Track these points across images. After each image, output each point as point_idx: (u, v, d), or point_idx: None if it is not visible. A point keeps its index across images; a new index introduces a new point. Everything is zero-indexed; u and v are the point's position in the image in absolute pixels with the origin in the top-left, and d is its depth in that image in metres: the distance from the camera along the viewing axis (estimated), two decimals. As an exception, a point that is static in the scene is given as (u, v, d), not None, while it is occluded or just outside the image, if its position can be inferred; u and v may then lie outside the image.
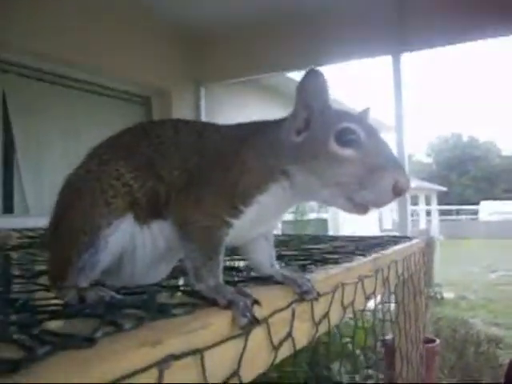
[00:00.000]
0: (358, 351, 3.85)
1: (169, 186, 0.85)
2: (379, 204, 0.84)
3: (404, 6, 5.23)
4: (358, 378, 4.41)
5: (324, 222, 9.47)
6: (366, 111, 0.97)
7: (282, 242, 1.36)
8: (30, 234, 2.36)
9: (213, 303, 0.72)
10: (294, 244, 1.58)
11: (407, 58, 5.58)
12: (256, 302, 0.73)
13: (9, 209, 4.60)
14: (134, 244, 0.85)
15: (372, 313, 1.45)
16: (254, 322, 0.70)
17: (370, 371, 4.46)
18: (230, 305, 0.70)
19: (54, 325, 0.55)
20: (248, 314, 0.69)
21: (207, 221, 0.82)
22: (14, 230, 2.52)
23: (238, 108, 7.22)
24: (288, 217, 6.94)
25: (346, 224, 9.25)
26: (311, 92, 0.85)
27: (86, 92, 5.32)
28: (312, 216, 8.32)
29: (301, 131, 0.86)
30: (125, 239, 0.84)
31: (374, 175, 0.81)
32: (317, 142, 0.84)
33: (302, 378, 4.32)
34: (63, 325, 0.56)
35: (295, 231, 6.85)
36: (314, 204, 8.65)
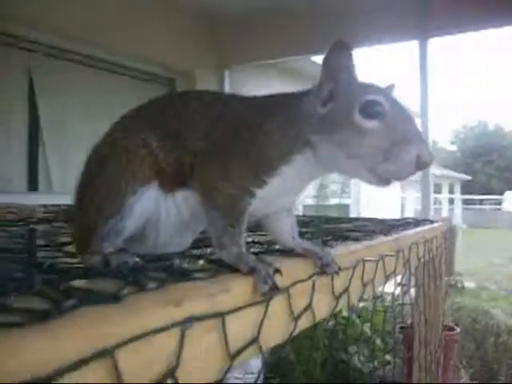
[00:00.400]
0: (375, 336, 3.85)
1: (194, 155, 0.86)
2: (401, 176, 0.83)
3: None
4: (375, 363, 4.42)
5: (346, 207, 9.44)
6: (390, 87, 0.97)
7: (302, 222, 1.36)
8: (55, 209, 2.40)
9: (235, 270, 0.72)
10: (314, 224, 1.58)
11: (434, 43, 5.50)
12: (277, 270, 0.73)
13: (34, 186, 4.68)
14: (158, 212, 0.86)
15: (391, 295, 1.45)
16: (275, 289, 0.71)
17: (388, 356, 4.46)
18: (251, 271, 0.71)
19: (79, 284, 0.57)
20: (269, 281, 0.70)
21: (231, 189, 0.82)
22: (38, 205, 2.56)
23: (261, 91, 7.17)
24: (309, 201, 6.93)
25: (368, 210, 9.21)
26: (337, 63, 0.85)
27: (111, 72, 5.36)
28: (334, 201, 8.30)
29: (326, 102, 0.86)
30: (149, 207, 0.85)
31: (397, 148, 0.81)
32: (341, 113, 0.84)
33: (319, 361, 4.34)
34: (88, 284, 0.57)
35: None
36: (336, 189, 8.63)
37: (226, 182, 0.83)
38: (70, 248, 1.01)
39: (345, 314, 4.18)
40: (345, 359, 4.61)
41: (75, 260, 0.85)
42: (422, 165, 0.81)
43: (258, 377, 1.37)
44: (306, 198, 7.02)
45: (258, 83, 7.27)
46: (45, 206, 2.52)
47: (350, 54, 0.85)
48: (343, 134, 0.83)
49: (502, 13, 4.93)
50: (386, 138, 0.82)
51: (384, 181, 0.84)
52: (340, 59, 0.85)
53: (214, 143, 0.86)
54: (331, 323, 3.61)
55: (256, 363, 3.61)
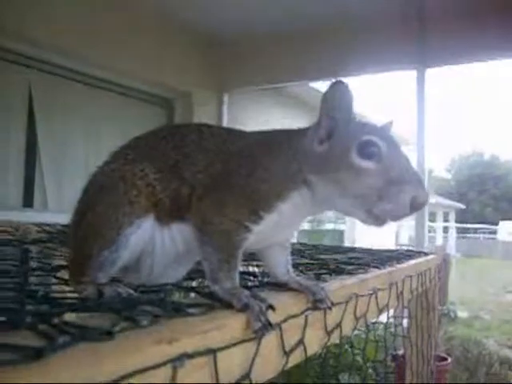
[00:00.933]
0: (367, 364, 3.82)
1: (192, 188, 0.87)
2: (397, 217, 0.84)
3: (425, 23, 5.23)
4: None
5: (341, 233, 9.45)
6: (388, 124, 0.98)
7: (297, 251, 1.36)
8: (49, 229, 2.39)
9: (228, 305, 0.73)
10: (309, 253, 1.58)
11: (432, 73, 5.56)
12: (271, 306, 0.74)
13: (29, 203, 4.67)
14: (153, 243, 0.87)
15: (384, 326, 1.45)
16: (268, 326, 0.71)
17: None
18: (244, 308, 0.71)
19: (72, 317, 0.57)
20: (262, 319, 0.70)
21: (227, 225, 0.83)
22: (33, 224, 2.55)
23: (260, 115, 7.24)
24: (304, 226, 6.93)
25: (363, 236, 9.22)
26: (335, 103, 0.86)
27: (110, 92, 5.39)
28: (329, 226, 8.31)
29: (323, 141, 0.87)
30: (145, 238, 0.85)
31: (393, 188, 0.82)
32: (339, 152, 0.85)
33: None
34: (81, 318, 0.57)
35: (311, 241, 6.86)
36: (331, 215, 8.64)
37: (223, 218, 0.83)
38: (64, 273, 1.02)
39: (336, 341, 4.16)
40: (336, 387, 4.56)
41: (68, 288, 0.85)
42: (417, 205, 0.82)
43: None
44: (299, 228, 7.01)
45: (256, 107, 7.33)
46: (40, 225, 2.51)
47: (349, 94, 0.86)
48: (340, 173, 0.84)
49: (499, 45, 5.00)
50: (382, 179, 0.83)
51: (380, 221, 0.85)
52: (338, 99, 0.86)
53: (212, 177, 0.87)
54: (322, 352, 3.58)
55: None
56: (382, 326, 1.48)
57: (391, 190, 0.82)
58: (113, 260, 0.82)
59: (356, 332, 1.46)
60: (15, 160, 4.60)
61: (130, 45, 5.03)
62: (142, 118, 5.56)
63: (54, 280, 0.95)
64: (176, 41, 5.74)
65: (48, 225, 2.56)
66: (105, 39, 4.77)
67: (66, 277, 0.98)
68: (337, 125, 0.87)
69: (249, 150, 0.91)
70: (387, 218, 0.85)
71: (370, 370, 4.36)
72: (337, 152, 0.86)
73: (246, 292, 0.75)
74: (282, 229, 0.91)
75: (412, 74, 5.57)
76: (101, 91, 5.28)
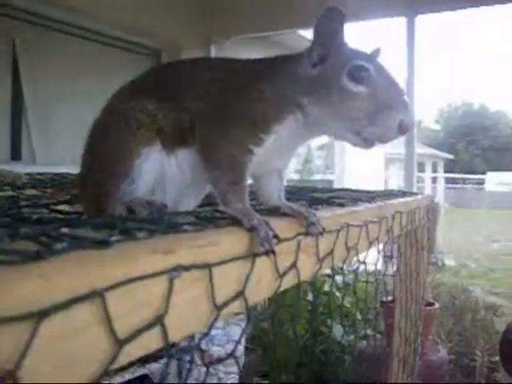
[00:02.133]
0: (357, 309, 3.91)
1: (192, 114, 0.89)
2: (384, 140, 0.88)
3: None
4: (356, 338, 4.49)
5: (330, 182, 9.48)
6: (376, 51, 0.99)
7: (288, 192, 1.37)
8: (40, 177, 2.39)
9: (238, 223, 0.75)
10: (301, 192, 1.60)
11: (422, 20, 5.49)
12: (276, 236, 0.75)
13: (17, 156, 4.64)
14: (163, 172, 0.89)
15: (375, 266, 1.47)
16: (270, 252, 0.74)
17: (369, 331, 4.53)
18: (252, 229, 0.73)
19: (68, 231, 0.57)
20: (266, 245, 0.73)
21: (231, 148, 0.85)
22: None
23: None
24: (294, 177, 6.96)
25: (351, 186, 9.26)
26: (328, 29, 0.88)
27: (96, 42, 5.28)
28: (318, 177, 8.34)
29: (316, 65, 0.90)
30: (155, 168, 0.88)
31: (381, 112, 0.85)
32: (330, 76, 0.88)
33: (299, 333, 4.40)
34: (78, 231, 0.58)
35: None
36: (320, 164, 8.66)
37: (226, 143, 0.85)
38: (57, 207, 1.02)
39: (326, 288, 4.24)
40: (325, 332, 4.68)
41: (62, 216, 0.85)
42: (404, 129, 0.85)
43: (238, 342, 1.39)
44: (290, 173, 7.05)
45: (243, 57, 7.23)
46: (29, 174, 2.50)
47: (342, 21, 0.88)
48: (331, 96, 0.87)
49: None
50: (371, 103, 0.86)
51: (368, 143, 0.89)
52: (332, 25, 0.88)
53: (212, 103, 0.89)
54: (312, 297, 3.66)
55: (238, 333, 3.66)
56: (371, 268, 1.50)
57: (380, 113, 0.85)
58: (130, 192, 0.84)
59: (345, 277, 1.49)
60: (1, 113, 4.54)
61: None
62: (129, 68, 5.47)
63: (47, 211, 0.95)
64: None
65: (39, 173, 2.55)
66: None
67: (60, 209, 0.99)
68: (329, 50, 0.89)
69: (244, 75, 0.93)
70: (376, 141, 0.89)
71: (359, 316, 4.46)
72: (329, 76, 0.88)
73: (258, 215, 0.77)
74: (280, 151, 0.94)
75: (402, 21, 5.50)
76: (87, 42, 5.18)
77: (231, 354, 0.81)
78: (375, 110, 0.85)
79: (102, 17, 4.95)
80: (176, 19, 5.88)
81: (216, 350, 3.68)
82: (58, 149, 4.57)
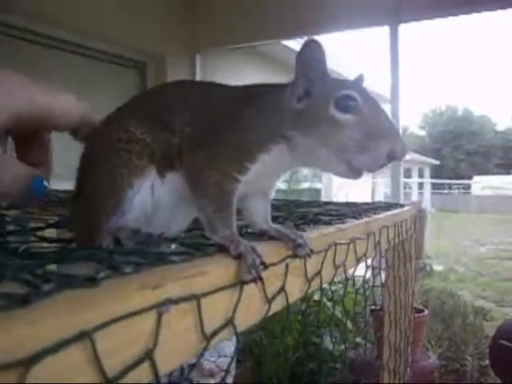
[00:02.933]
0: (347, 317, 3.92)
1: (180, 139, 0.88)
2: (374, 168, 0.88)
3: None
4: (346, 345, 4.49)
5: (317, 191, 9.51)
6: (359, 78, 1.00)
7: (275, 206, 1.38)
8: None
9: (224, 250, 0.75)
10: (287, 208, 1.60)
11: (405, 28, 5.55)
12: (263, 264, 0.75)
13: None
14: (154, 200, 0.89)
15: (363, 278, 1.48)
16: (258, 280, 0.74)
17: (358, 339, 4.54)
18: (239, 256, 0.73)
19: (55, 268, 0.57)
20: (253, 272, 0.72)
21: (218, 177, 0.85)
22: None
23: (233, 76, 7.18)
24: (281, 186, 6.96)
25: (339, 194, 9.30)
26: (309, 62, 0.88)
27: (80, 55, 5.27)
28: (306, 185, 8.35)
29: (301, 99, 0.90)
30: (147, 198, 0.87)
31: (371, 141, 0.85)
32: (317, 108, 0.88)
33: (291, 344, 4.40)
34: (64, 267, 0.58)
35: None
36: (307, 173, 8.68)
37: (212, 170, 0.85)
38: (44, 233, 1.02)
39: (316, 298, 4.25)
40: (316, 342, 4.68)
41: (50, 245, 0.85)
42: (394, 157, 0.85)
43: (232, 359, 1.40)
44: (277, 183, 7.04)
45: (229, 68, 7.26)
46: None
47: (322, 52, 0.88)
48: (319, 127, 0.87)
49: (472, 0, 5.00)
50: (360, 131, 0.85)
51: (357, 173, 0.89)
52: (312, 57, 0.88)
53: (199, 130, 0.89)
54: (303, 307, 3.66)
55: (229, 348, 3.65)
56: (360, 280, 1.51)
57: (369, 142, 0.85)
58: (120, 223, 0.84)
59: (335, 287, 1.49)
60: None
61: (99, 6, 4.91)
62: (115, 81, 5.47)
63: (33, 238, 0.94)
64: (146, 1, 5.62)
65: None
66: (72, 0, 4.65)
67: (47, 236, 0.99)
68: (313, 82, 0.89)
69: (231, 102, 0.92)
70: (365, 169, 0.88)
71: (350, 325, 4.47)
72: (315, 108, 0.88)
73: (245, 242, 0.77)
74: (266, 177, 0.95)
75: (385, 29, 5.55)
76: (70, 55, 5.17)
77: (227, 371, 0.81)
78: (365, 138, 0.85)
79: (84, 30, 4.94)
80: (159, 31, 5.89)
81: (207, 364, 3.67)
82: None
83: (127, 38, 5.39)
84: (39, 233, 1.01)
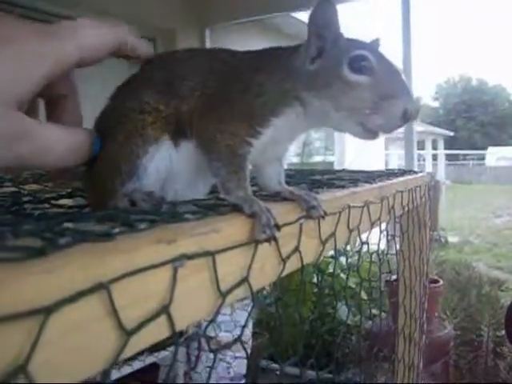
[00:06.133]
0: (361, 289, 3.93)
1: (190, 104, 0.87)
2: (388, 129, 0.87)
3: None
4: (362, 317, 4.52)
5: (330, 164, 9.47)
6: (376, 41, 0.99)
7: (288, 175, 1.38)
8: (38, 171, 2.38)
9: (238, 210, 0.75)
10: (300, 175, 1.60)
11: (417, -4, 5.45)
12: (277, 225, 0.75)
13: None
14: (170, 167, 0.89)
15: (377, 245, 1.48)
16: (271, 239, 0.74)
17: (374, 310, 4.56)
18: (253, 215, 0.73)
19: (71, 225, 0.58)
20: (268, 231, 0.73)
21: (229, 140, 0.85)
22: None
23: (242, 49, 7.12)
24: (294, 159, 6.95)
25: (352, 167, 9.26)
26: (322, 21, 0.87)
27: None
28: (318, 159, 8.33)
29: (315, 59, 0.88)
30: (162, 164, 0.87)
31: (384, 101, 0.84)
32: (330, 69, 0.87)
33: (306, 316, 4.43)
34: (80, 225, 0.58)
35: (301, 174, 6.89)
36: (320, 146, 8.65)
37: (224, 134, 0.85)
38: (59, 202, 1.02)
39: (331, 269, 4.26)
40: (332, 314, 4.71)
41: (63, 210, 0.86)
42: (408, 118, 0.84)
43: (244, 326, 1.41)
44: (290, 156, 7.05)
45: (238, 42, 7.19)
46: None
47: (335, 11, 0.86)
48: (332, 88, 0.86)
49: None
50: (373, 92, 0.85)
51: (372, 133, 0.88)
52: (325, 17, 0.86)
53: (209, 95, 0.88)
54: (317, 279, 3.68)
55: (246, 318, 3.69)
56: (375, 248, 1.50)
57: (383, 103, 0.84)
58: (135, 188, 0.84)
59: (350, 259, 1.50)
60: None
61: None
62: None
63: (48, 206, 0.95)
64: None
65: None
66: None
67: (61, 203, 1.00)
68: (326, 42, 0.88)
69: (242, 67, 0.92)
70: (379, 131, 0.88)
71: (365, 296, 4.49)
72: (329, 68, 0.87)
73: (260, 202, 0.77)
74: (278, 142, 0.94)
75: (397, -2, 5.46)
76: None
77: (238, 339, 0.82)
78: (378, 99, 0.84)
79: (95, 6, 4.92)
80: (168, 7, 5.85)
81: (224, 336, 3.71)
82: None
83: (136, 14, 5.35)
84: (54, 202, 1.02)
